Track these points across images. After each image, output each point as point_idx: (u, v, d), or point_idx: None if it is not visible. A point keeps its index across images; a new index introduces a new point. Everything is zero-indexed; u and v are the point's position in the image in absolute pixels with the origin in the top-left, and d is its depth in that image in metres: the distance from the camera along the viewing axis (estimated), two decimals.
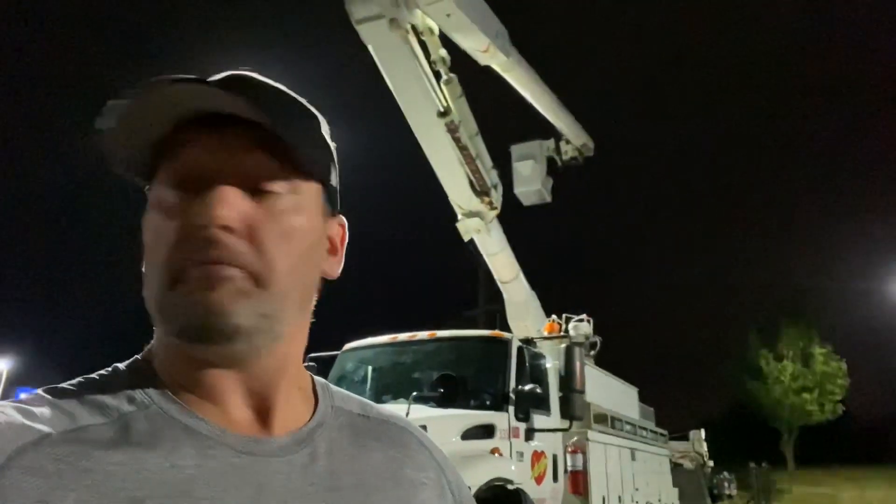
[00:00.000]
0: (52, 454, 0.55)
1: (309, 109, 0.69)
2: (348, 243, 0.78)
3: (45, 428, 0.57)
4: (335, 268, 0.76)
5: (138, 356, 0.70)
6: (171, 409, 0.63)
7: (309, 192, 0.69)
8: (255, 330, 0.63)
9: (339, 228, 0.78)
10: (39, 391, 0.63)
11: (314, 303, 0.74)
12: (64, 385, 0.64)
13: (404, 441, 0.80)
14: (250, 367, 0.66)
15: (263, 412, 0.68)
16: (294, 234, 0.66)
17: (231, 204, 0.61)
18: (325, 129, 0.71)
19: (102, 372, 0.67)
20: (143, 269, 0.66)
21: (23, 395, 0.63)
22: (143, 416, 0.62)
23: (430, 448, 0.84)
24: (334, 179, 0.74)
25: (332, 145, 0.73)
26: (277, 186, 0.65)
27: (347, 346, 6.24)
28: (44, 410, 0.59)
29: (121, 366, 0.68)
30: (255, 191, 0.64)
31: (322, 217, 0.72)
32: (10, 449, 0.54)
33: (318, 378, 0.78)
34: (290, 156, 0.65)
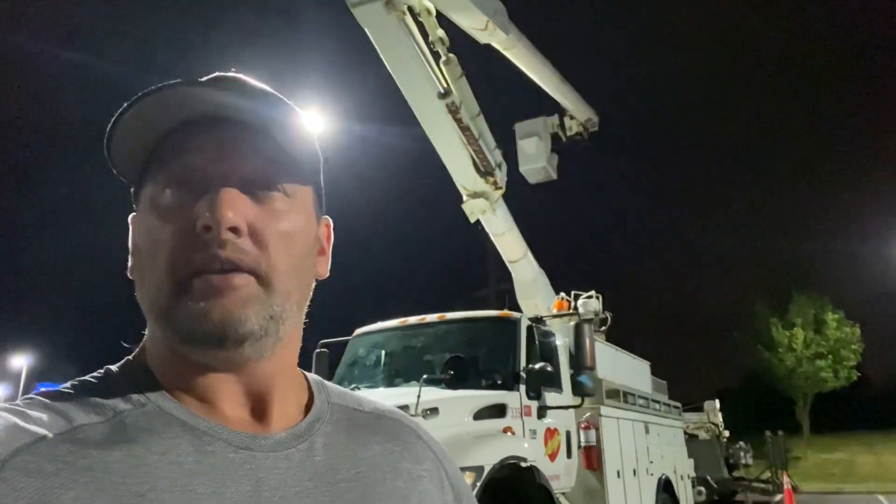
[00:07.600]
0: (49, 455, 0.55)
1: (295, 109, 0.69)
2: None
3: (41, 430, 0.57)
4: (325, 267, 0.77)
5: (129, 357, 0.70)
6: (167, 406, 0.64)
7: (302, 195, 0.71)
8: (264, 333, 0.64)
9: (326, 229, 0.79)
10: (34, 395, 0.63)
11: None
12: (58, 388, 0.64)
13: (402, 434, 0.80)
14: (251, 369, 0.67)
15: (260, 410, 0.69)
16: (294, 235, 0.67)
17: (236, 206, 0.62)
18: (310, 127, 0.71)
19: (95, 374, 0.68)
20: (136, 271, 0.67)
21: (20, 399, 0.63)
22: (139, 413, 0.62)
23: (428, 441, 0.84)
24: (322, 181, 0.76)
25: (318, 145, 0.73)
26: (275, 188, 0.66)
27: (358, 331, 6.28)
28: (40, 413, 0.59)
29: (113, 367, 0.69)
30: (254, 192, 0.65)
31: (315, 219, 0.74)
32: (7, 451, 0.54)
33: (312, 375, 0.79)
34: (282, 157, 0.67)
